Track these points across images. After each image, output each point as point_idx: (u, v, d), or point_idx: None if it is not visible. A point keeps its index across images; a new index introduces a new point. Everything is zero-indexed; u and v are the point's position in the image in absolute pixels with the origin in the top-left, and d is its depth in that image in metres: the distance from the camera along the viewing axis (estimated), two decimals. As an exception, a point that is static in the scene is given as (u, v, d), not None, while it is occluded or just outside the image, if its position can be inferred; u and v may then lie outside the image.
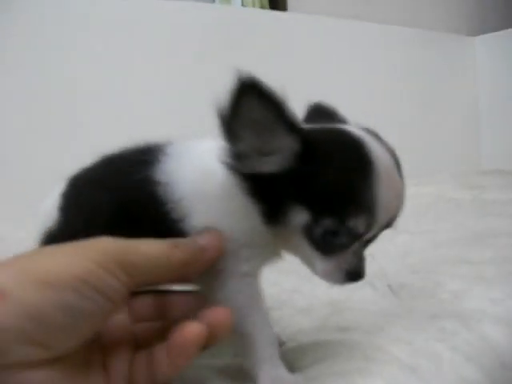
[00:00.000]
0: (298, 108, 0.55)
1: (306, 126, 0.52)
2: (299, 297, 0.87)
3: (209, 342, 0.43)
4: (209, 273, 0.51)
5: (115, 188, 0.56)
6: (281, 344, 0.63)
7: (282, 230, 0.52)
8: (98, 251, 0.41)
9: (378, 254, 1.08)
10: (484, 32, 2.87)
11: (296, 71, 2.23)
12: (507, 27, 2.72)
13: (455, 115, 2.84)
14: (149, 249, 0.44)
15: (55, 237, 0.65)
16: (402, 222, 1.39)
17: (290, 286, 0.92)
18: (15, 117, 1.64)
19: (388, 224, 0.52)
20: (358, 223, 0.49)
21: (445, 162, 2.69)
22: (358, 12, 2.54)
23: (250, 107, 0.46)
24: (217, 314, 0.45)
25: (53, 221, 0.65)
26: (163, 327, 0.49)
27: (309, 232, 0.50)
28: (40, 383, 0.38)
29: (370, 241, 0.54)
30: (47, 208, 0.71)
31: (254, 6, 2.36)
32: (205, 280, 0.52)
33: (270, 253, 0.57)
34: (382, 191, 0.49)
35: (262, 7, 2.36)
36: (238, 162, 0.49)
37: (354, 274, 0.52)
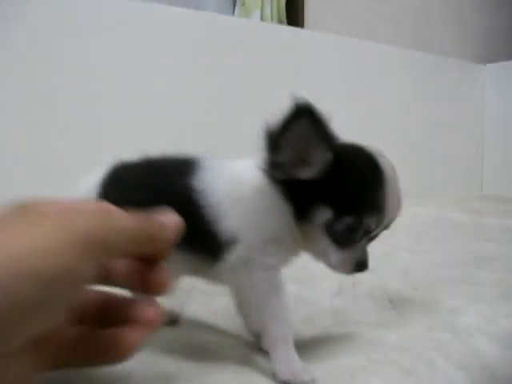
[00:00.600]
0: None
1: (336, 142, 0.61)
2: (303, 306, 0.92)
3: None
4: (238, 264, 0.61)
5: (156, 190, 0.65)
6: None
7: (307, 226, 0.61)
8: (79, 238, 0.38)
9: (380, 270, 1.14)
10: (494, 61, 2.93)
11: (309, 87, 2.29)
12: (517, 57, 2.79)
13: (461, 139, 2.90)
14: (126, 224, 0.44)
15: None
16: (402, 240, 1.44)
17: (293, 293, 0.97)
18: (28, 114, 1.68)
19: (388, 225, 0.63)
20: (371, 221, 0.60)
21: (448, 184, 2.75)
22: (372, 32, 2.59)
23: (301, 128, 0.56)
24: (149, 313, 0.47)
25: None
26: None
27: (330, 227, 0.60)
28: None
29: (373, 238, 0.64)
30: (84, 191, 0.79)
31: (272, 20, 2.41)
32: (234, 269, 0.61)
33: (292, 249, 0.66)
34: (390, 197, 0.60)
35: (280, 22, 2.42)
36: (276, 170, 0.59)
37: (362, 264, 0.62)
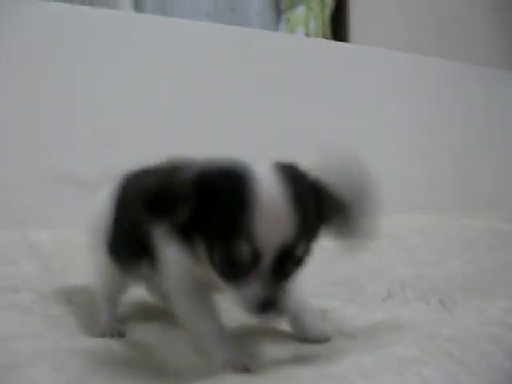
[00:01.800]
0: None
1: (200, 169, 0.60)
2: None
3: None
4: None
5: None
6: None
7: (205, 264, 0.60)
8: None
9: (430, 275, 1.14)
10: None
11: (355, 100, 2.31)
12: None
13: (505, 150, 2.82)
14: None
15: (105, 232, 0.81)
16: (453, 250, 1.43)
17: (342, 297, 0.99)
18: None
19: (287, 253, 0.56)
20: (240, 247, 0.55)
21: (494, 196, 2.68)
22: (415, 45, 2.59)
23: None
24: None
25: (104, 217, 0.81)
26: None
27: (211, 260, 0.58)
28: None
29: (280, 271, 0.57)
30: (99, 202, 0.86)
31: (316, 36, 2.44)
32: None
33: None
34: (260, 220, 0.54)
35: (325, 37, 2.44)
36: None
37: (263, 303, 0.56)
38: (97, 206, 0.87)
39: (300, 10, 2.47)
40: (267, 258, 0.55)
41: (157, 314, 0.92)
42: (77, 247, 1.30)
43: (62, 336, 0.79)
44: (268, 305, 0.57)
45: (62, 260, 1.28)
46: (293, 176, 0.59)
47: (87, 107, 1.77)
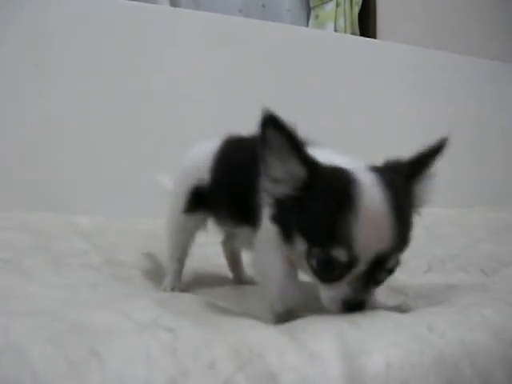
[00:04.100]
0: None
1: (318, 161, 0.61)
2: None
3: None
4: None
5: None
6: None
7: (295, 252, 0.62)
8: None
9: (463, 255, 1.19)
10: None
11: (381, 95, 2.36)
12: None
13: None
14: None
15: (203, 193, 0.88)
16: (481, 235, 1.47)
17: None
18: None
19: (381, 261, 0.58)
20: (339, 253, 0.56)
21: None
22: (441, 42, 2.63)
23: (272, 139, 0.58)
24: None
25: (203, 176, 0.87)
26: None
27: (308, 259, 0.60)
28: None
29: (371, 277, 0.60)
30: (195, 162, 0.92)
31: (345, 31, 2.50)
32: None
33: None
34: (362, 229, 0.55)
35: (353, 33, 2.50)
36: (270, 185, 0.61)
37: (350, 304, 0.59)
38: (190, 160, 0.95)
39: (329, 7, 2.53)
40: (362, 266, 0.58)
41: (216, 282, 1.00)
42: (117, 230, 1.38)
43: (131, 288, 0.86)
44: (353, 307, 0.60)
45: (109, 239, 1.34)
46: (392, 184, 0.60)
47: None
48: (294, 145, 0.59)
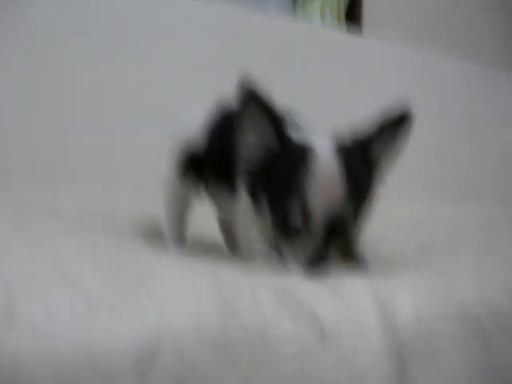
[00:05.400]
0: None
1: (291, 137, 0.68)
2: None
3: None
4: None
5: None
6: None
7: (264, 220, 0.68)
8: None
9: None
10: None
11: (365, 90, 2.38)
12: None
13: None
14: None
15: (197, 158, 0.91)
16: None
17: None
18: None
19: (337, 220, 0.63)
20: (295, 209, 0.62)
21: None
22: (427, 42, 2.66)
23: (252, 112, 0.65)
24: None
25: (195, 143, 0.90)
26: None
27: (272, 223, 0.66)
28: None
29: (331, 237, 0.64)
30: (190, 125, 0.94)
31: (331, 23, 2.51)
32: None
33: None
34: (314, 190, 0.62)
35: (339, 28, 2.51)
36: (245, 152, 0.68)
37: (312, 261, 0.63)
38: (186, 128, 0.96)
39: (316, 1, 2.55)
40: (318, 221, 0.63)
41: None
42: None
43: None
44: (314, 262, 0.63)
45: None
46: (349, 153, 0.67)
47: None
48: (273, 121, 0.66)
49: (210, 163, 0.89)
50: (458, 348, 0.48)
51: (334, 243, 0.65)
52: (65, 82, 1.71)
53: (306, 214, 0.62)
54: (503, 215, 1.89)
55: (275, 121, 0.67)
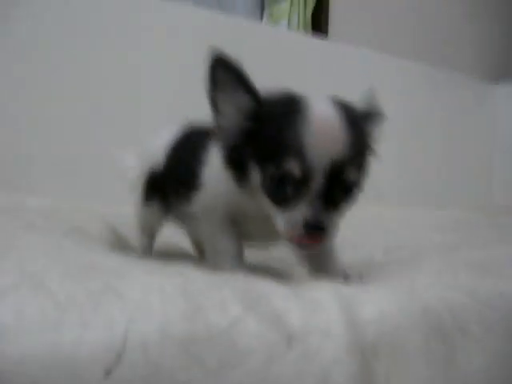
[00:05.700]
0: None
1: (263, 92, 0.64)
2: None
3: None
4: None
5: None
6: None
7: (253, 192, 0.63)
8: None
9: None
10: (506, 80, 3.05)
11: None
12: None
13: (469, 153, 2.99)
14: None
15: (156, 178, 0.88)
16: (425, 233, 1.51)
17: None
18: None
19: (337, 174, 0.58)
20: (292, 166, 0.57)
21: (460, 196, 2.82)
22: (390, 45, 2.70)
23: (220, 76, 0.62)
24: None
25: (158, 164, 0.87)
26: None
27: (263, 186, 0.61)
28: None
29: (330, 195, 0.59)
30: (155, 149, 0.92)
31: (298, 28, 2.54)
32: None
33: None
34: (312, 138, 0.56)
35: (306, 32, 2.53)
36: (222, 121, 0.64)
37: (312, 223, 0.58)
38: (150, 153, 0.93)
39: (284, 5, 2.57)
40: (317, 177, 0.57)
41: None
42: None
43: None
44: (314, 227, 0.58)
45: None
46: (346, 106, 0.63)
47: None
48: (241, 78, 0.62)
49: (169, 182, 0.86)
50: (420, 347, 0.49)
51: (334, 195, 0.60)
52: (31, 86, 1.69)
53: (304, 169, 0.57)
54: (464, 218, 1.95)
55: (248, 83, 0.63)
